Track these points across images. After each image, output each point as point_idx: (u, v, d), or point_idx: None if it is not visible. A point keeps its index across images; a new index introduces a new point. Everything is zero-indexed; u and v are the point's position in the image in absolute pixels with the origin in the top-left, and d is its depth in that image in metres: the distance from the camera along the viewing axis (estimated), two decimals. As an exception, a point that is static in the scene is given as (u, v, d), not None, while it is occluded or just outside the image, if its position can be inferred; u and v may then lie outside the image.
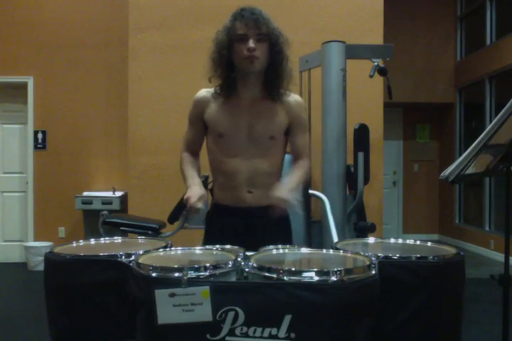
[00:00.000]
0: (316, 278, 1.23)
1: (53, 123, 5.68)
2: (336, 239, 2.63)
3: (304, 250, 1.58)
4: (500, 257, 5.76)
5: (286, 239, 1.93)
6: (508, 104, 1.87)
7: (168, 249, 1.56)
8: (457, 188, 7.36)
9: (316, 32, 4.54)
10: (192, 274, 1.25)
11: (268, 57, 1.84)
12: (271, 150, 1.91)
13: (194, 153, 2.02)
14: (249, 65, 1.81)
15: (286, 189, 1.77)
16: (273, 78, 1.87)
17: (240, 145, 1.88)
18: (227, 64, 1.84)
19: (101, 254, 1.45)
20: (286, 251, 1.57)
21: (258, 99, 1.90)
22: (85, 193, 5.32)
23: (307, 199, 3.21)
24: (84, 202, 5.20)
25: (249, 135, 1.88)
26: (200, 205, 1.74)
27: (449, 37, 7.49)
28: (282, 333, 1.20)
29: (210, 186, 2.22)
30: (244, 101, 1.90)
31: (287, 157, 2.03)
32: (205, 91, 1.95)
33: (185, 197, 1.77)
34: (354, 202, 3.37)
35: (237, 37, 1.80)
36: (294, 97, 1.96)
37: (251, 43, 1.78)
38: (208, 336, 1.22)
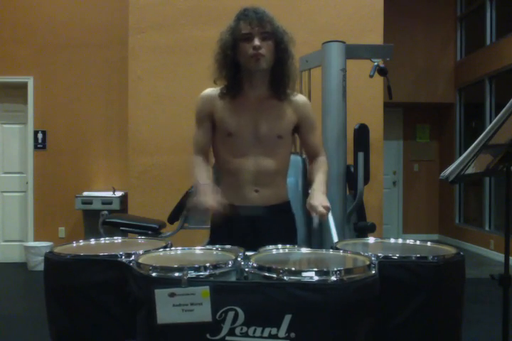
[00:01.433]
0: (316, 278, 1.23)
1: (53, 123, 5.68)
2: (335, 239, 2.63)
3: (304, 250, 1.58)
4: (500, 257, 5.76)
5: (291, 238, 1.93)
6: (508, 104, 1.87)
7: (168, 249, 1.56)
8: (457, 188, 7.36)
9: (316, 32, 4.54)
10: (192, 274, 1.25)
11: (274, 55, 1.83)
12: (278, 149, 1.91)
13: (205, 154, 1.98)
14: (255, 63, 1.80)
15: (322, 195, 1.79)
16: (279, 77, 1.87)
17: (247, 145, 1.88)
18: (232, 64, 1.84)
19: (101, 254, 1.45)
20: (286, 251, 1.57)
21: (265, 98, 1.90)
22: (85, 193, 5.32)
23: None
24: (84, 202, 5.20)
25: (257, 134, 1.88)
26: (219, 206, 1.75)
27: (449, 37, 7.49)
28: (282, 333, 1.20)
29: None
30: (250, 101, 1.89)
31: (292, 157, 2.04)
32: (211, 90, 1.94)
33: (205, 205, 1.75)
34: (354, 202, 3.36)
35: (242, 36, 1.80)
36: (300, 97, 1.97)
37: (256, 41, 1.78)
38: (207, 336, 1.22)
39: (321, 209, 1.70)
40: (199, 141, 1.96)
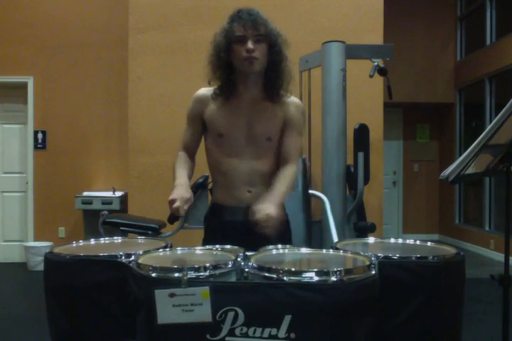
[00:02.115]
0: (316, 278, 1.23)
1: (53, 123, 5.68)
2: (335, 239, 2.63)
3: (304, 250, 1.58)
4: (500, 257, 5.76)
5: (285, 238, 1.93)
6: (508, 104, 1.87)
7: (168, 249, 1.56)
8: (457, 188, 7.36)
9: (316, 32, 4.54)
10: (192, 274, 1.25)
11: (267, 57, 1.84)
12: (268, 152, 1.92)
13: (190, 152, 2.02)
14: (249, 66, 1.81)
15: (270, 203, 1.72)
16: (273, 79, 1.87)
17: (238, 146, 1.89)
18: (225, 66, 1.85)
19: (101, 254, 1.44)
20: (286, 251, 1.57)
21: (258, 99, 1.91)
22: (85, 193, 5.32)
23: (307, 200, 3.21)
24: (84, 202, 5.20)
25: (248, 135, 1.89)
26: (182, 212, 1.73)
27: (449, 37, 7.49)
28: (282, 333, 1.20)
29: (210, 186, 2.22)
30: (243, 102, 1.90)
31: None
32: (205, 90, 1.95)
33: (169, 198, 1.75)
34: (354, 202, 3.36)
35: (235, 38, 1.80)
36: (292, 99, 1.96)
37: (249, 44, 1.78)
38: (207, 336, 1.22)
39: (261, 216, 1.66)
40: (185, 140, 2.00)
